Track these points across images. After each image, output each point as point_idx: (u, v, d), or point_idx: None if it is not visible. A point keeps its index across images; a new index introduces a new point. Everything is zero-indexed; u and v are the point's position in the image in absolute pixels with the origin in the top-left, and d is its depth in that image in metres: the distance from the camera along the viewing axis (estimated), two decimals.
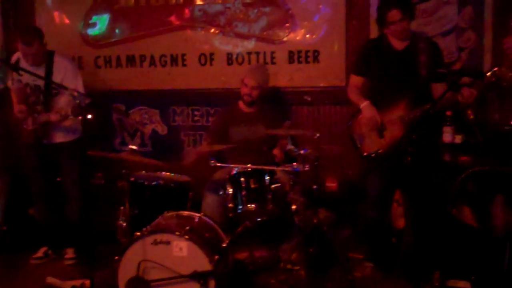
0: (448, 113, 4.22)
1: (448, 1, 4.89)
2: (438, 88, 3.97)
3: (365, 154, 4.07)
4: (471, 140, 4.27)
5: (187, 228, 3.45)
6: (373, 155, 4.01)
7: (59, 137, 4.46)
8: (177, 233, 3.39)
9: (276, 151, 4.35)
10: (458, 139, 4.31)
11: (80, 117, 3.64)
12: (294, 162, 3.83)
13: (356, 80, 4.21)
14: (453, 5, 4.89)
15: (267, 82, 4.55)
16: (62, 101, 4.33)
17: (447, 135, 4.27)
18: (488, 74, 3.32)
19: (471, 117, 4.22)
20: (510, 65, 3.13)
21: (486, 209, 2.84)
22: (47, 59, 4.36)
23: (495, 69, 3.28)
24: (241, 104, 4.58)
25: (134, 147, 4.14)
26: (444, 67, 4.34)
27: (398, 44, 4.06)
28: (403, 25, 3.95)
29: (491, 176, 2.91)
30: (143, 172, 4.24)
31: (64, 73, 4.34)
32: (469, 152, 3.93)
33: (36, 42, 4.24)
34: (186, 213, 3.77)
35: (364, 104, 4.04)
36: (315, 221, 4.00)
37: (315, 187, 3.99)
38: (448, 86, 3.79)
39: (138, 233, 3.48)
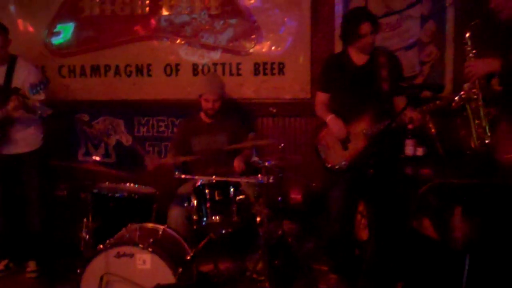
0: (410, 126, 4.28)
1: (410, 15, 4.98)
2: (400, 102, 4.06)
3: (329, 166, 4.12)
4: (432, 153, 4.36)
5: (151, 240, 3.43)
6: (336, 167, 4.07)
7: (19, 148, 4.37)
8: (141, 245, 3.37)
9: (236, 162, 4.34)
10: (420, 151, 4.39)
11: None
12: (259, 173, 3.84)
13: (322, 97, 4.29)
14: (415, 19, 4.98)
15: (224, 89, 4.56)
16: None
17: (409, 148, 4.34)
18: (456, 98, 3.39)
19: (433, 130, 4.29)
20: (474, 86, 3.19)
21: (446, 222, 2.89)
22: (9, 61, 4.28)
23: (462, 93, 3.35)
24: (202, 115, 4.58)
25: (97, 158, 4.10)
26: (405, 80, 4.44)
27: (358, 60, 4.16)
28: (373, 38, 4.07)
29: (451, 188, 2.96)
30: (107, 183, 4.21)
31: (26, 79, 4.27)
32: (430, 165, 4.00)
33: (1, 37, 4.18)
34: (150, 225, 3.75)
35: (330, 118, 4.11)
36: (279, 232, 4.02)
37: (279, 198, 4.02)
38: (408, 100, 3.90)
39: (101, 246, 3.46)
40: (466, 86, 3.32)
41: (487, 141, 3.20)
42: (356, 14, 4.18)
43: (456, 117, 3.72)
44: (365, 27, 4.01)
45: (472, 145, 3.27)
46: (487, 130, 3.20)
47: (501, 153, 3.15)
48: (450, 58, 4.95)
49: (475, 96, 3.23)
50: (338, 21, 4.98)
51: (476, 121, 3.25)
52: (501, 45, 3.20)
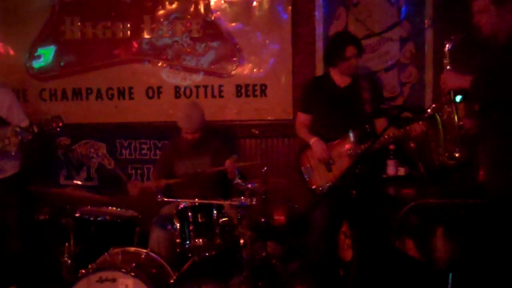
0: (391, 146, 4.34)
1: (390, 37, 5.07)
2: (382, 123, 4.12)
3: (313, 187, 4.14)
4: (414, 173, 4.40)
5: (133, 265, 3.41)
6: (320, 189, 4.09)
7: None
8: (123, 270, 3.35)
9: (227, 162, 4.32)
10: (402, 171, 4.43)
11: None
12: (242, 196, 3.83)
13: (303, 117, 4.34)
14: (395, 41, 5.07)
15: (203, 119, 4.50)
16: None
17: (391, 168, 4.38)
18: (428, 110, 3.44)
19: (414, 150, 4.34)
20: (448, 99, 3.23)
21: (428, 242, 2.91)
22: None
23: (434, 105, 3.40)
24: (185, 138, 4.57)
25: (79, 182, 4.08)
26: (385, 102, 4.50)
27: (341, 82, 4.23)
28: (357, 61, 4.17)
29: (433, 208, 2.98)
30: (89, 207, 4.17)
31: (7, 106, 4.24)
32: (412, 185, 4.03)
33: None
34: (132, 249, 3.72)
35: (313, 140, 4.16)
36: (263, 254, 4.00)
37: (263, 220, 4.01)
38: (389, 122, 3.95)
39: (83, 271, 3.43)
40: (440, 99, 3.37)
41: (456, 155, 3.23)
42: (342, 38, 4.31)
43: (428, 130, 3.77)
44: (351, 50, 4.10)
45: (441, 158, 3.30)
46: (457, 144, 3.23)
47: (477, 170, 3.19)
48: (429, 79, 5.05)
49: (448, 109, 3.26)
50: (318, 43, 5.07)
51: (447, 134, 3.28)
52: (476, 63, 3.26)
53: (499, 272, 2.70)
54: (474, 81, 3.04)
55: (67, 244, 3.74)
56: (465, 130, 3.20)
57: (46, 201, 5.03)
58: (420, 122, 3.79)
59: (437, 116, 3.33)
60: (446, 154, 3.25)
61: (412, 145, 4.23)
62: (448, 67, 3.25)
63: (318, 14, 5.09)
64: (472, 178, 3.30)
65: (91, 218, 3.93)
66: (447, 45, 3.25)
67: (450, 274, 2.76)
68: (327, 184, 4.08)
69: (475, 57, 3.31)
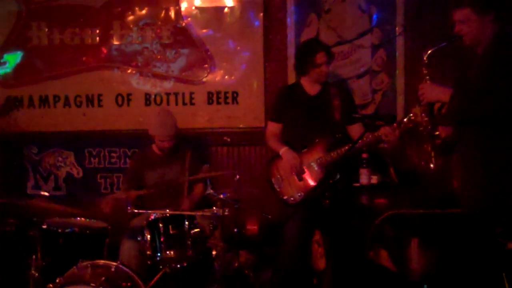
0: (364, 155, 4.33)
1: (362, 44, 5.07)
2: (354, 130, 4.12)
3: (284, 198, 4.10)
4: (387, 180, 4.39)
5: (103, 278, 3.33)
6: (292, 199, 4.06)
7: None
8: (92, 284, 3.27)
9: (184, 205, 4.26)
10: (375, 179, 4.42)
11: None
12: (214, 206, 3.78)
13: (273, 127, 4.32)
14: (367, 48, 5.08)
15: (177, 126, 4.45)
16: None
17: (364, 177, 4.37)
18: (405, 120, 3.43)
19: (387, 158, 4.34)
20: (424, 109, 3.22)
21: (403, 253, 2.89)
22: None
23: (411, 115, 3.40)
24: (154, 147, 4.50)
25: (46, 193, 3.98)
26: (357, 109, 4.50)
27: (311, 90, 4.23)
28: (328, 68, 4.15)
29: (407, 219, 2.97)
30: (57, 218, 4.06)
31: None
32: (385, 194, 4.03)
33: None
34: (102, 262, 3.62)
35: (283, 150, 4.13)
36: (236, 264, 3.97)
37: (235, 230, 3.97)
38: (364, 128, 3.94)
39: (51, 285, 3.34)
40: (415, 109, 3.36)
41: (431, 165, 3.22)
42: (311, 45, 4.29)
43: (404, 138, 3.76)
44: (321, 57, 4.10)
45: (417, 167, 3.30)
46: (433, 155, 3.22)
47: (452, 180, 3.20)
48: (401, 86, 5.07)
49: (425, 119, 3.25)
50: (290, 49, 5.06)
51: (423, 144, 3.28)
52: (455, 74, 3.26)
53: (474, 284, 2.70)
54: (453, 94, 3.03)
55: (34, 256, 3.63)
56: (441, 139, 3.19)
57: (12, 212, 4.91)
58: (393, 125, 3.76)
59: (414, 126, 3.32)
60: (423, 163, 3.24)
61: (384, 153, 4.22)
62: (427, 77, 3.22)
63: (290, 21, 5.08)
64: (445, 188, 3.30)
65: (59, 230, 3.81)
66: (427, 53, 3.22)
67: (425, 285, 2.75)
68: (299, 194, 4.05)
69: (454, 66, 3.31)
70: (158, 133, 4.37)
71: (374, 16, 5.07)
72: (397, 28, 5.05)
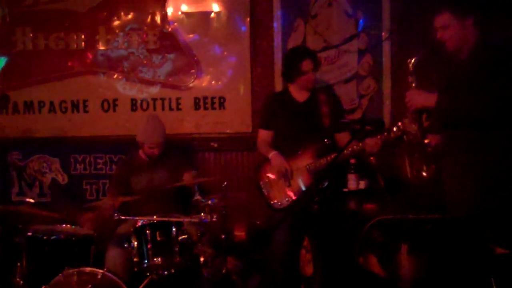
0: (352, 160, 4.33)
1: (348, 50, 5.08)
2: (342, 138, 4.13)
3: (272, 203, 4.10)
4: (374, 186, 4.40)
5: (89, 286, 3.34)
6: (280, 204, 4.05)
7: None
8: None
9: (186, 176, 4.27)
10: (362, 184, 4.42)
11: None
12: (202, 212, 3.76)
13: (264, 134, 4.32)
14: (353, 53, 5.09)
15: (165, 132, 4.44)
16: None
17: (352, 183, 4.37)
18: (394, 129, 3.44)
19: (374, 163, 4.35)
20: (413, 117, 3.23)
21: (392, 258, 2.89)
22: None
23: (399, 124, 3.40)
24: (141, 153, 4.47)
25: (31, 200, 3.94)
26: (345, 115, 4.50)
27: (300, 97, 4.25)
28: (315, 75, 4.16)
29: (396, 224, 2.97)
30: (42, 225, 4.02)
31: None
32: (373, 200, 4.04)
33: None
34: (88, 269, 3.59)
35: (272, 154, 4.13)
36: (224, 271, 3.94)
37: (223, 236, 3.95)
38: (351, 136, 3.95)
39: None
40: (405, 118, 3.37)
41: (423, 174, 3.23)
42: (297, 52, 4.29)
43: (394, 148, 3.78)
44: (307, 64, 4.10)
45: (409, 176, 3.30)
46: (424, 163, 3.23)
47: (440, 186, 3.21)
48: (387, 91, 5.09)
49: (414, 127, 3.26)
50: (277, 54, 5.06)
51: (414, 153, 3.28)
52: (441, 80, 3.27)
53: None
54: (439, 99, 3.05)
55: (19, 264, 3.62)
56: (431, 147, 3.20)
57: None
58: (378, 136, 3.79)
59: (404, 137, 3.32)
60: (415, 173, 3.25)
61: (371, 158, 4.22)
62: (413, 84, 3.23)
63: (277, 26, 5.08)
64: (433, 193, 3.31)
65: (45, 237, 3.78)
66: (412, 62, 3.23)
67: None
68: (287, 200, 4.05)
69: (439, 73, 3.33)
70: (148, 140, 4.34)
71: (361, 21, 5.09)
72: (383, 33, 5.07)
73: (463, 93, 3.02)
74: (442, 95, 3.08)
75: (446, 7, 3.12)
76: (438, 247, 2.81)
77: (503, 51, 3.03)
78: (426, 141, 3.20)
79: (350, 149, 3.84)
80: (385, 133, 3.73)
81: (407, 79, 3.25)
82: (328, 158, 3.94)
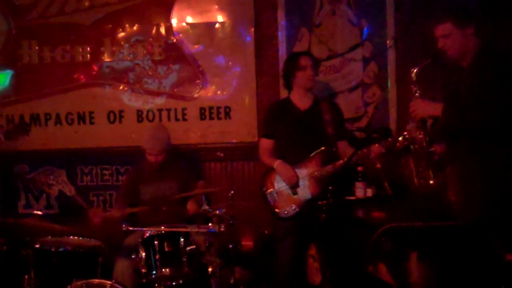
0: (359, 168, 4.33)
1: (353, 58, 5.09)
2: (343, 146, 4.13)
3: (278, 211, 4.09)
4: (381, 194, 4.38)
5: None
6: (286, 213, 4.05)
7: None
8: None
9: (189, 205, 4.26)
10: (369, 192, 4.41)
11: None
12: (210, 222, 3.75)
13: (266, 143, 4.32)
14: (358, 62, 5.09)
15: (169, 142, 4.44)
16: None
17: (359, 191, 4.36)
18: (400, 139, 3.44)
19: (380, 170, 4.34)
20: (418, 126, 3.23)
21: (402, 267, 2.88)
22: None
23: (405, 133, 3.40)
24: (148, 161, 4.47)
25: (39, 212, 3.94)
26: (345, 125, 4.51)
27: (302, 104, 4.26)
28: (313, 72, 4.18)
29: (405, 232, 2.96)
30: (49, 237, 4.02)
31: None
32: (381, 208, 4.02)
33: None
34: (96, 281, 3.57)
35: (278, 163, 4.13)
36: (231, 281, 3.92)
37: (231, 246, 3.94)
38: (355, 145, 3.96)
39: None
40: (409, 126, 3.36)
41: (431, 182, 3.22)
42: (294, 53, 4.47)
43: (400, 157, 3.77)
44: (305, 59, 4.17)
45: (416, 185, 3.29)
46: (431, 171, 3.22)
47: (447, 194, 3.20)
48: (393, 98, 5.08)
49: (420, 136, 3.26)
50: (282, 63, 5.01)
51: (420, 162, 3.28)
52: (445, 89, 3.27)
53: None
54: (445, 108, 3.04)
55: (27, 276, 3.61)
56: (437, 156, 3.20)
57: (3, 232, 4.85)
58: (382, 143, 3.80)
59: (411, 146, 3.31)
60: (422, 181, 3.24)
61: (378, 165, 4.22)
62: (417, 94, 3.23)
63: (281, 35, 5.09)
64: (440, 200, 3.30)
65: (52, 249, 3.77)
66: (414, 71, 3.24)
67: None
68: (293, 208, 4.05)
69: (442, 82, 3.33)
70: (147, 146, 4.36)
71: (365, 30, 5.10)
72: (388, 41, 5.07)
73: (466, 101, 3.02)
74: (448, 104, 3.08)
75: (446, 17, 3.14)
76: (447, 254, 2.79)
77: (505, 59, 3.03)
78: (432, 149, 3.19)
79: (359, 153, 3.83)
80: (389, 139, 3.73)
81: (410, 88, 3.25)
82: (334, 165, 3.94)
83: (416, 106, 3.21)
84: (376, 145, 3.82)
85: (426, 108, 3.17)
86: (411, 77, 3.25)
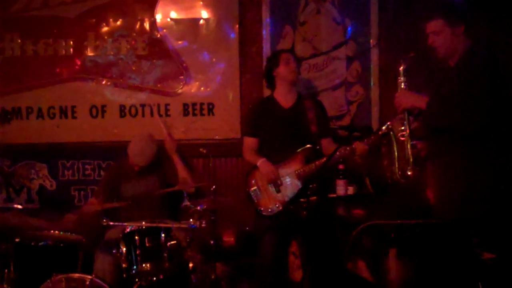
0: (341, 166, 4.34)
1: (337, 56, 5.12)
2: (326, 143, 4.15)
3: (262, 209, 4.10)
4: (363, 191, 4.41)
5: None
6: (269, 210, 4.06)
7: None
8: None
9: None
10: (351, 190, 4.44)
11: None
12: (191, 218, 3.75)
13: (249, 141, 4.34)
14: (341, 60, 5.13)
15: (155, 151, 4.41)
16: None
17: (340, 188, 4.37)
18: (383, 128, 3.47)
19: (361, 167, 4.37)
20: (401, 117, 3.26)
21: (380, 263, 2.90)
22: None
23: (389, 123, 3.43)
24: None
25: (19, 206, 3.91)
26: (329, 121, 4.53)
27: (285, 102, 4.28)
28: (295, 65, 4.25)
29: (385, 229, 2.99)
30: (30, 231, 3.99)
31: None
32: (362, 205, 4.05)
33: None
34: (76, 275, 3.57)
35: (261, 161, 4.15)
36: (212, 277, 3.94)
37: (212, 242, 3.95)
38: (339, 142, 3.98)
39: None
40: (394, 118, 3.40)
41: (409, 173, 3.25)
42: (276, 51, 4.57)
43: (381, 147, 3.80)
44: (287, 55, 4.25)
45: (394, 176, 3.33)
46: (410, 162, 3.25)
47: (426, 192, 3.24)
48: (375, 97, 5.13)
49: (402, 127, 3.28)
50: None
51: (400, 153, 3.30)
52: (431, 83, 3.30)
53: None
54: (429, 102, 3.07)
55: (6, 270, 3.60)
56: (417, 149, 3.23)
57: None
58: (365, 140, 3.83)
59: (391, 134, 3.35)
60: (399, 172, 3.28)
61: (359, 162, 4.24)
62: (402, 85, 3.26)
63: (265, 32, 5.10)
64: (419, 198, 3.34)
65: (32, 243, 3.77)
66: (402, 65, 3.27)
67: None
68: (277, 206, 4.06)
69: (430, 77, 3.36)
70: (132, 159, 4.34)
71: (349, 29, 5.13)
72: (371, 40, 5.12)
73: (449, 99, 3.05)
74: (433, 97, 3.11)
75: (438, 14, 3.16)
76: (426, 251, 2.82)
77: (491, 61, 3.07)
78: (413, 141, 3.22)
79: (338, 153, 3.86)
80: (372, 136, 3.76)
81: (397, 80, 3.28)
82: (317, 163, 3.96)
83: (402, 97, 3.24)
84: (359, 142, 3.84)
85: (411, 99, 3.20)
86: (399, 69, 3.27)
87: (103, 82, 5.19)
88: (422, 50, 3.25)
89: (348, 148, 3.88)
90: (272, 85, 4.33)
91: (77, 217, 4.15)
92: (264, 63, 4.79)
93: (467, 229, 2.88)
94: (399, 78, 3.28)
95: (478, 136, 3.03)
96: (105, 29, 5.16)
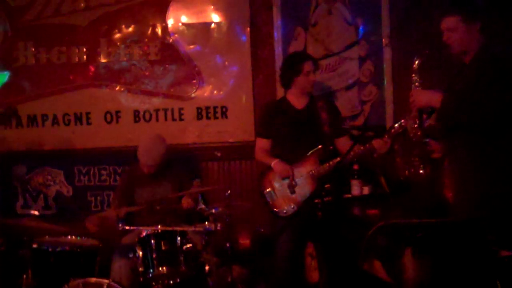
0: (355, 166, 4.34)
1: (349, 56, 5.11)
2: (342, 143, 4.13)
3: (276, 210, 4.09)
4: (378, 191, 4.39)
5: None
6: (284, 211, 4.05)
7: None
8: None
9: (183, 200, 4.22)
10: (366, 190, 4.42)
11: None
12: (206, 221, 3.76)
13: (262, 143, 4.32)
14: (354, 60, 5.11)
15: (164, 152, 4.38)
16: None
17: (355, 188, 4.37)
18: (396, 125, 3.45)
19: (378, 165, 4.35)
20: (415, 116, 3.23)
21: (396, 263, 2.89)
22: None
23: (402, 121, 3.41)
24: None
25: (36, 212, 3.94)
26: (343, 121, 4.52)
27: (298, 104, 4.26)
28: (315, 78, 4.21)
29: (401, 229, 2.97)
30: (47, 237, 4.02)
31: None
32: (377, 205, 4.04)
33: None
34: (93, 280, 3.58)
35: (275, 162, 4.13)
36: (229, 280, 3.93)
37: (228, 245, 3.95)
38: (354, 141, 3.95)
39: None
40: (407, 116, 3.38)
41: (421, 171, 3.23)
42: (299, 54, 4.41)
43: (394, 145, 3.78)
44: (309, 65, 4.15)
45: (406, 173, 3.31)
46: (422, 161, 3.23)
47: (443, 190, 3.21)
48: (389, 96, 5.10)
49: (415, 125, 3.26)
50: (278, 63, 5.07)
51: (412, 151, 3.29)
52: (442, 82, 3.28)
53: None
54: (444, 99, 3.05)
55: (24, 276, 3.61)
56: (430, 148, 3.21)
57: (1, 232, 4.86)
58: (384, 138, 3.80)
59: (405, 132, 3.33)
60: (412, 170, 3.26)
61: (378, 161, 4.22)
62: (417, 83, 3.24)
63: (277, 35, 5.11)
64: (435, 196, 3.31)
65: (50, 249, 3.78)
66: (416, 62, 3.25)
67: None
68: (292, 207, 4.05)
69: (444, 75, 3.33)
70: (141, 159, 4.35)
71: (360, 28, 5.12)
72: (383, 40, 5.10)
73: (463, 96, 3.03)
74: (447, 96, 3.08)
75: (454, 10, 3.13)
76: (442, 250, 2.80)
77: (506, 59, 3.04)
78: (427, 140, 3.20)
79: (352, 153, 3.84)
80: (392, 131, 3.72)
81: (411, 78, 3.25)
82: (331, 163, 3.95)
83: (416, 95, 3.21)
84: (378, 139, 3.80)
85: (426, 97, 3.17)
86: (413, 66, 3.25)
87: (117, 88, 5.23)
88: (435, 47, 3.22)
89: (366, 146, 3.84)
90: (287, 86, 4.31)
91: (99, 219, 4.17)
92: (278, 64, 4.79)
93: (484, 227, 2.85)
94: (413, 75, 3.25)
95: (494, 133, 3.00)
96: (117, 35, 5.20)
